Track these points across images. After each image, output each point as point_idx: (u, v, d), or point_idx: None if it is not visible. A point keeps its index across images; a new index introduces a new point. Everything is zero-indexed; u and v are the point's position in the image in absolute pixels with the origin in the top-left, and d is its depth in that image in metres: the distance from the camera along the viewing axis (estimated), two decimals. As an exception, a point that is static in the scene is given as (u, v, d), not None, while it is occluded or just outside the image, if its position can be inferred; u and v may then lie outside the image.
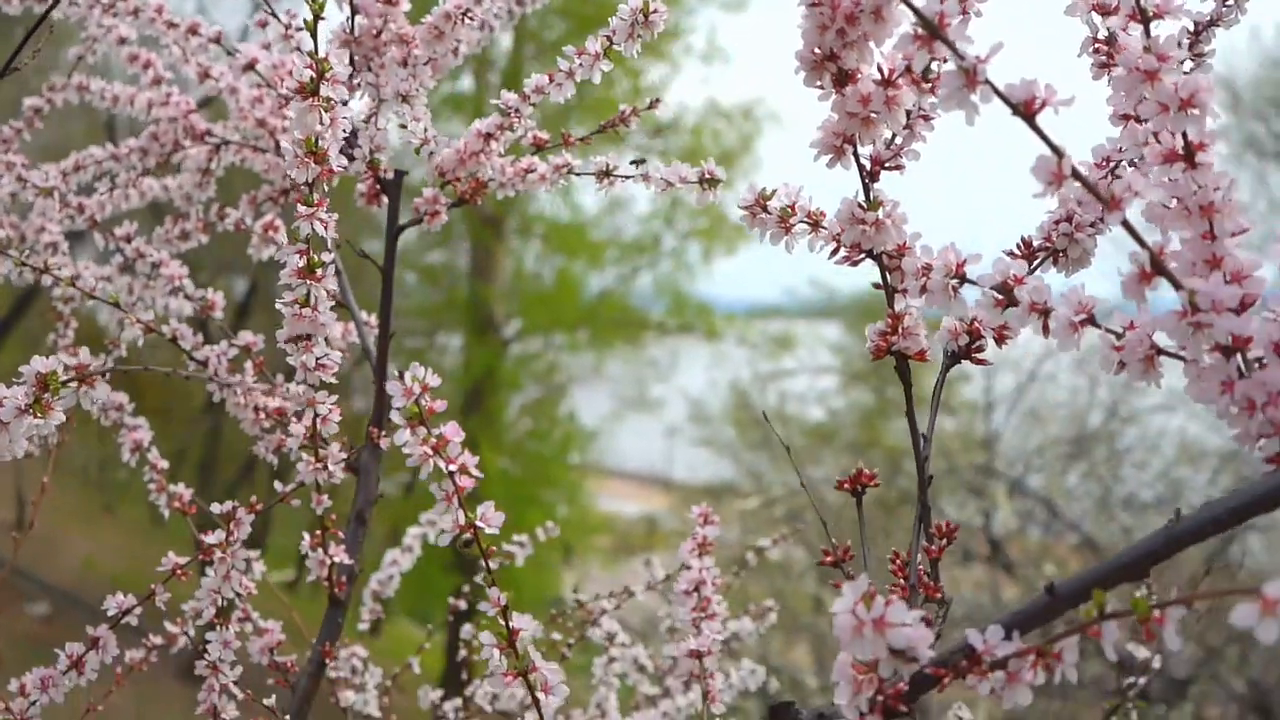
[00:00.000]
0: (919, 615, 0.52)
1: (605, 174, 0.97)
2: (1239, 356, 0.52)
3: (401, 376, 0.62)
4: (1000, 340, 0.69)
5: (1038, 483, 6.91)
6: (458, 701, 1.46)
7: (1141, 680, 1.09)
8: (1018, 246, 0.70)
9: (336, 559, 0.99)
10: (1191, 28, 0.72)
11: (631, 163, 1.00)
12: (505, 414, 11.41)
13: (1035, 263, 0.69)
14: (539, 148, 1.02)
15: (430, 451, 0.63)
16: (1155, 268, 0.53)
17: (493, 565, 0.66)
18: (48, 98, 1.36)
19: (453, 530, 0.65)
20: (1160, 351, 0.55)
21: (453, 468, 0.63)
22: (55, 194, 1.14)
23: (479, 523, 0.64)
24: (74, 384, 0.68)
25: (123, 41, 1.22)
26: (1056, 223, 0.69)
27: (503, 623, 0.66)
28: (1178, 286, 0.52)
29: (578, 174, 0.99)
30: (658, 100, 1.02)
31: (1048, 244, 0.69)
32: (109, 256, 1.23)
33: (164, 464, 1.12)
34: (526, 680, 0.65)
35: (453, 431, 0.64)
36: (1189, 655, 6.22)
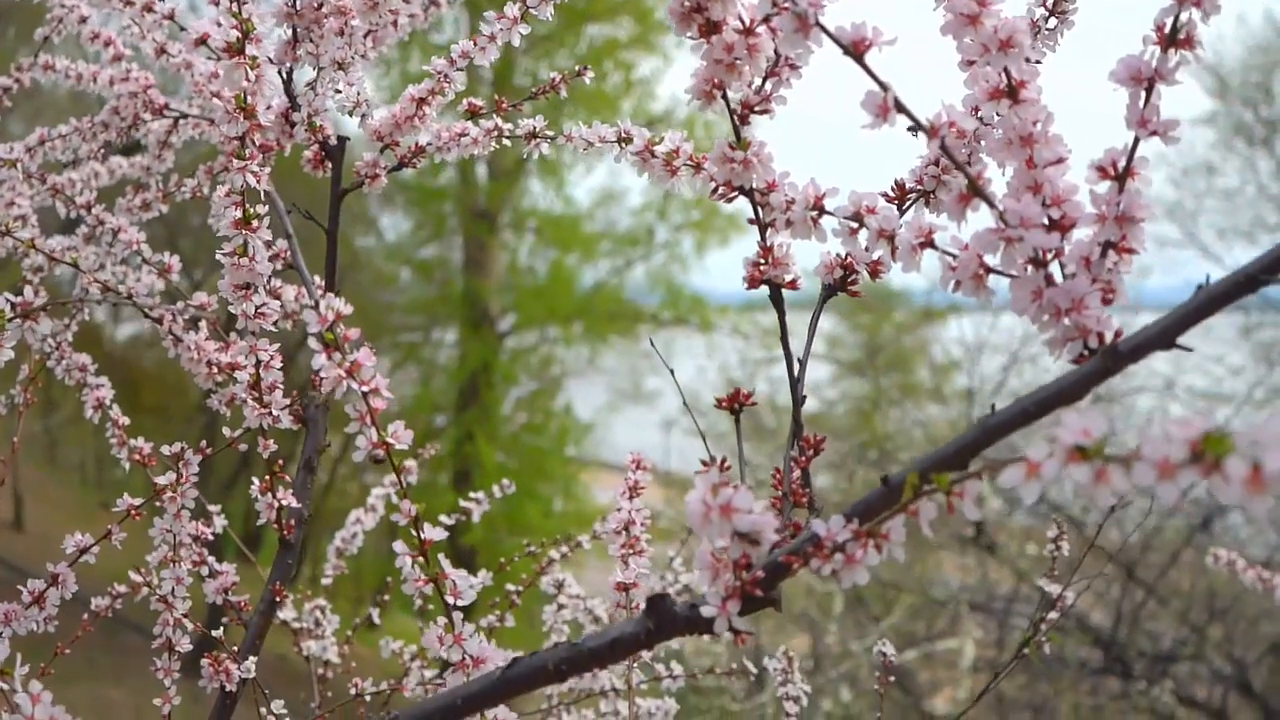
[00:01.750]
0: (764, 504, 0.58)
1: (533, 135, 1.03)
2: (1047, 269, 0.58)
3: (317, 306, 0.68)
4: (874, 274, 0.74)
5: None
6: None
7: (1053, 615, 1.15)
8: (891, 188, 0.76)
9: (285, 503, 1.05)
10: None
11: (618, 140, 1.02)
12: (501, 408, 11.47)
13: (907, 203, 0.75)
14: (474, 115, 1.08)
15: (344, 374, 0.69)
16: (973, 190, 0.59)
17: (407, 481, 0.72)
18: (16, 77, 1.41)
19: (367, 448, 0.71)
20: (989, 270, 0.61)
21: (366, 389, 0.69)
22: (19, 166, 1.20)
23: (390, 439, 0.70)
24: (19, 320, 0.74)
25: (84, 20, 1.28)
26: (926, 165, 0.75)
27: (414, 534, 0.72)
28: (993, 207, 0.58)
29: (508, 137, 1.05)
30: (585, 68, 1.08)
31: (919, 185, 0.75)
32: (74, 227, 1.29)
33: (125, 420, 1.17)
34: (437, 585, 0.72)
35: (365, 356, 0.70)
36: (1171, 633, 6.30)
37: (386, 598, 1.64)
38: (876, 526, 0.56)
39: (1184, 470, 0.40)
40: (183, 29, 1.17)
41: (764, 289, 0.76)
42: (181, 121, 1.28)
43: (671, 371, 1.05)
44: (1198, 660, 6.03)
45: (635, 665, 1.25)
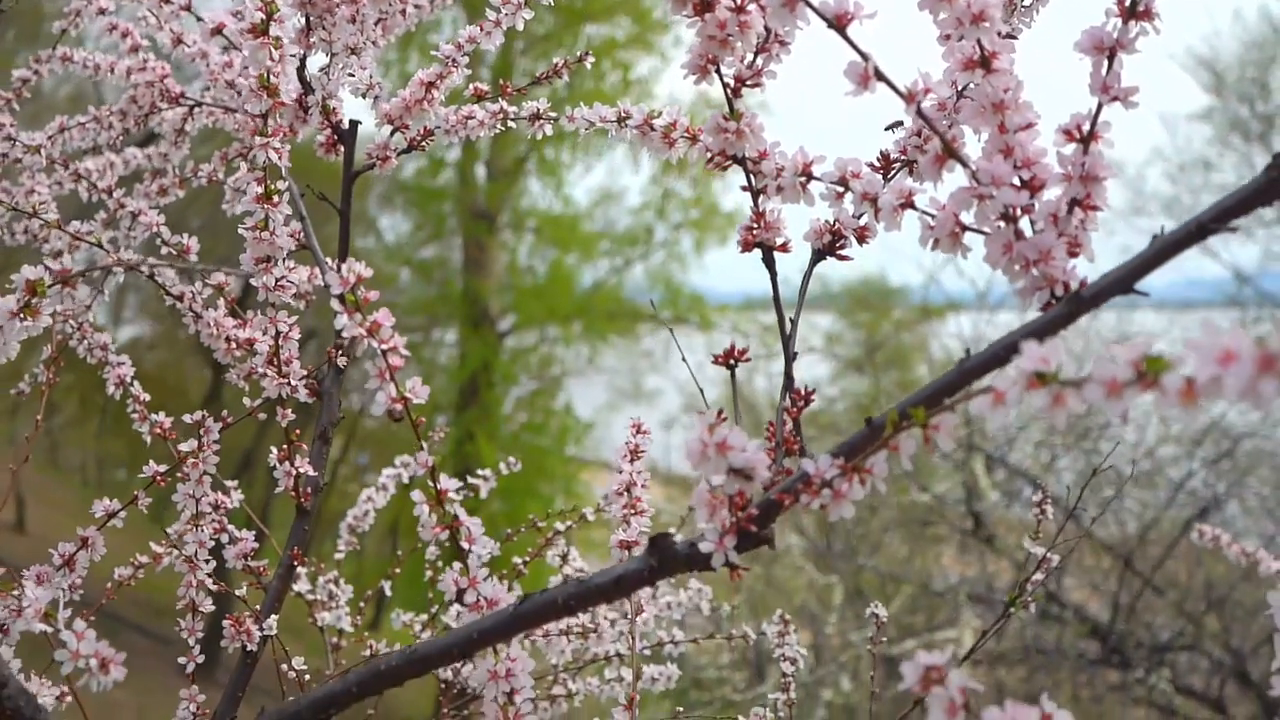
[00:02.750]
0: (758, 444, 0.63)
1: (537, 117, 1.08)
2: (1017, 224, 0.63)
3: (339, 270, 0.73)
4: (861, 239, 0.79)
5: (1022, 460, 7.03)
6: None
7: (1039, 577, 1.20)
8: (877, 158, 0.81)
9: (302, 471, 1.10)
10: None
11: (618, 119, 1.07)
12: (501, 407, 11.51)
13: (892, 172, 0.80)
14: (479, 98, 1.12)
15: (365, 333, 0.73)
16: (947, 152, 0.63)
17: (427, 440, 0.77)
18: (34, 69, 1.46)
19: (386, 403, 0.75)
20: (964, 227, 0.66)
21: (385, 347, 0.74)
22: (41, 152, 1.25)
23: (408, 394, 0.75)
24: (57, 287, 0.79)
25: (102, 12, 1.32)
26: (909, 136, 0.80)
27: (431, 484, 0.77)
28: (966, 166, 0.63)
29: (513, 119, 1.10)
30: (587, 54, 1.12)
31: (903, 155, 0.80)
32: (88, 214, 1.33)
33: (146, 396, 1.22)
34: (454, 532, 0.76)
35: (384, 317, 0.74)
36: (1168, 624, 6.34)
37: (389, 589, 1.68)
38: (861, 461, 0.61)
39: (1129, 388, 0.45)
40: (199, 19, 1.21)
41: (759, 284, 0.80)
42: (196, 110, 1.32)
43: (684, 358, 1.10)
44: (1195, 650, 6.08)
45: (638, 633, 1.30)
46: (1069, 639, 6.48)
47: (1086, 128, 0.64)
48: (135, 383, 1.24)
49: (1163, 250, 0.57)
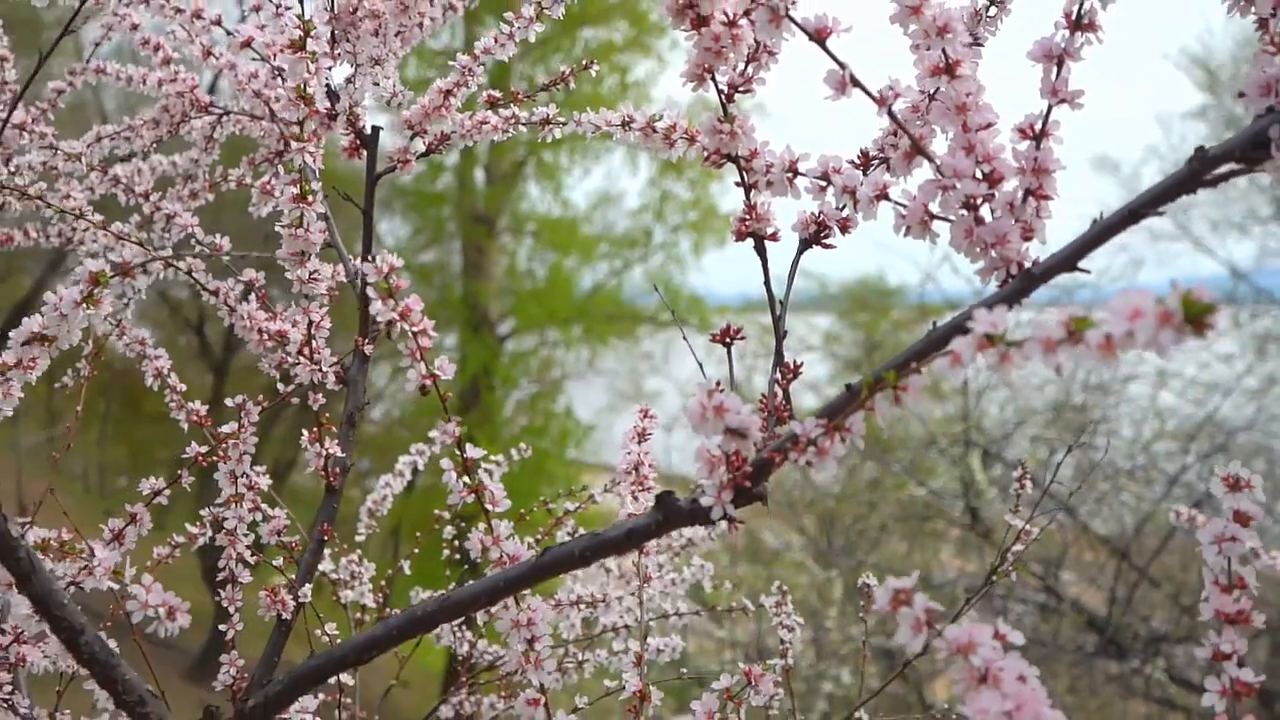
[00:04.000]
0: (752, 408, 0.71)
1: (547, 122, 1.16)
2: (978, 212, 0.71)
3: (374, 259, 0.81)
4: (844, 229, 0.88)
5: (1019, 455, 7.12)
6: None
7: (1018, 546, 1.28)
8: (857, 156, 0.89)
9: (331, 452, 1.18)
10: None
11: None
12: (502, 411, 11.59)
13: (871, 167, 0.89)
14: (493, 105, 1.21)
15: (398, 316, 0.82)
16: (915, 149, 0.72)
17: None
18: (69, 80, 1.55)
19: (417, 380, 0.84)
20: (932, 215, 0.75)
21: (416, 329, 0.82)
22: (82, 159, 1.33)
23: (436, 371, 0.83)
24: (118, 277, 0.87)
25: (135, 28, 1.41)
26: (885, 136, 0.88)
27: (459, 452, 0.85)
28: (931, 161, 0.71)
29: (524, 124, 1.18)
30: (591, 62, 1.21)
31: (880, 153, 0.89)
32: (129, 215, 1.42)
33: (182, 386, 1.31)
34: (478, 495, 0.85)
35: (415, 302, 0.83)
36: (1164, 615, 6.43)
37: (408, 568, 1.77)
38: (841, 421, 0.69)
39: (1061, 345, 0.54)
40: (229, 33, 1.30)
41: (758, 285, 0.89)
42: (224, 118, 1.41)
43: (693, 351, 1.18)
44: (1190, 641, 6.16)
45: (645, 605, 1.38)
46: (1066, 631, 6.56)
47: (1039, 127, 0.73)
48: (172, 374, 1.32)
49: (1101, 232, 0.66)
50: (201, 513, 1.25)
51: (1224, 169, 0.65)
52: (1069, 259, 0.67)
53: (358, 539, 1.59)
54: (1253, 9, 0.67)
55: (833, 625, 6.03)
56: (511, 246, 12.48)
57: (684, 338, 1.22)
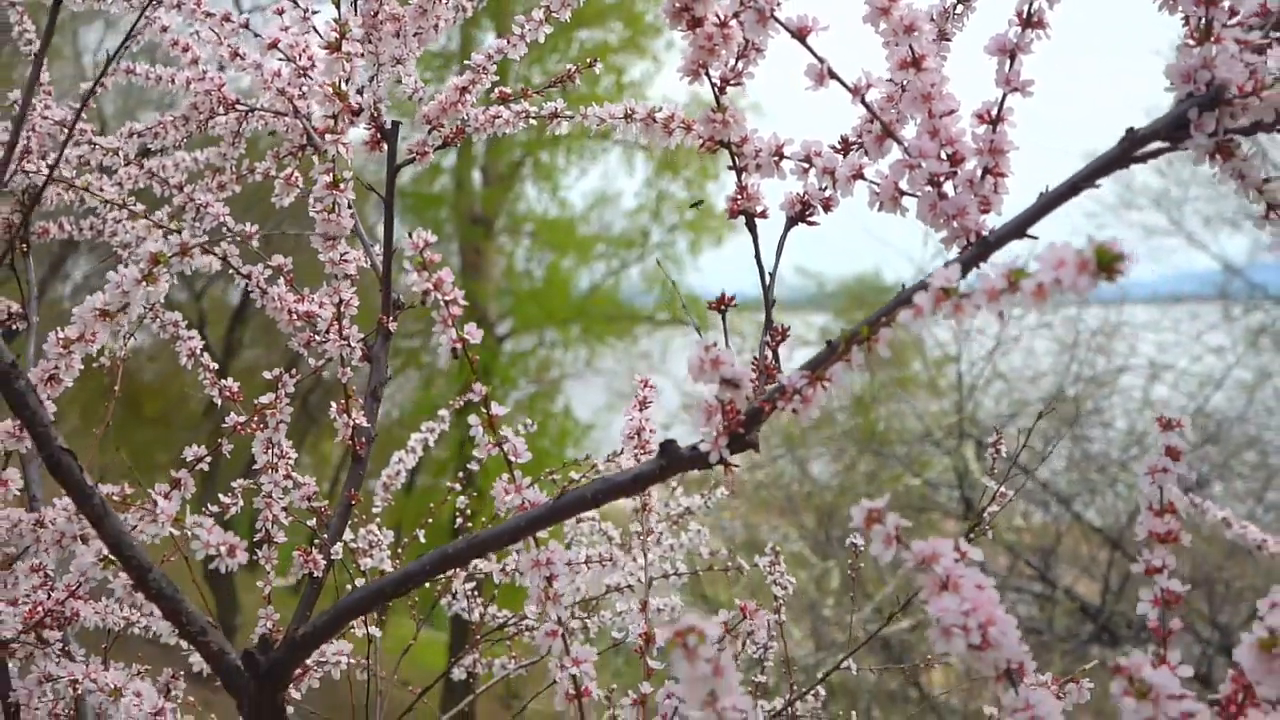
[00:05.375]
0: (746, 360, 0.81)
1: (554, 115, 1.26)
2: (941, 188, 0.81)
3: (411, 235, 0.91)
4: (826, 208, 0.98)
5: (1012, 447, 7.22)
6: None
7: (993, 510, 1.38)
8: (839, 141, 0.99)
9: (358, 423, 1.28)
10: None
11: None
12: (501, 411, 11.68)
13: (850, 151, 0.98)
14: (504, 100, 1.31)
15: (432, 287, 0.92)
16: (886, 133, 0.82)
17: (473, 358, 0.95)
18: (101, 81, 1.64)
19: (448, 344, 0.94)
20: (902, 192, 0.85)
21: (448, 298, 0.92)
22: (119, 153, 1.43)
23: (465, 336, 0.93)
24: (177, 256, 0.97)
25: (165, 30, 1.51)
26: (862, 123, 0.98)
27: (485, 410, 0.95)
28: (900, 144, 0.81)
29: (534, 118, 1.28)
30: (595, 60, 1.31)
31: (858, 138, 0.98)
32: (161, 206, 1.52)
33: (215, 365, 1.40)
34: (501, 449, 0.95)
35: (446, 274, 0.93)
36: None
37: (423, 536, 1.87)
38: (822, 372, 0.79)
39: (1003, 294, 0.63)
40: (256, 35, 1.40)
41: (755, 284, 0.99)
42: (250, 114, 1.50)
43: (704, 343, 1.27)
44: (1183, 628, 6.27)
45: (648, 569, 1.48)
46: (1061, 619, 6.67)
47: (994, 113, 0.82)
48: (205, 353, 1.42)
49: (1046, 204, 0.76)
50: (233, 484, 1.35)
51: (1152, 147, 0.75)
52: (1018, 228, 0.77)
53: (375, 510, 1.69)
54: (1180, 8, 0.77)
55: (830, 614, 6.14)
56: (509, 247, 12.58)
57: (695, 329, 1.31)
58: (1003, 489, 1.41)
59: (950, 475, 6.82)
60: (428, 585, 1.79)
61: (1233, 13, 0.75)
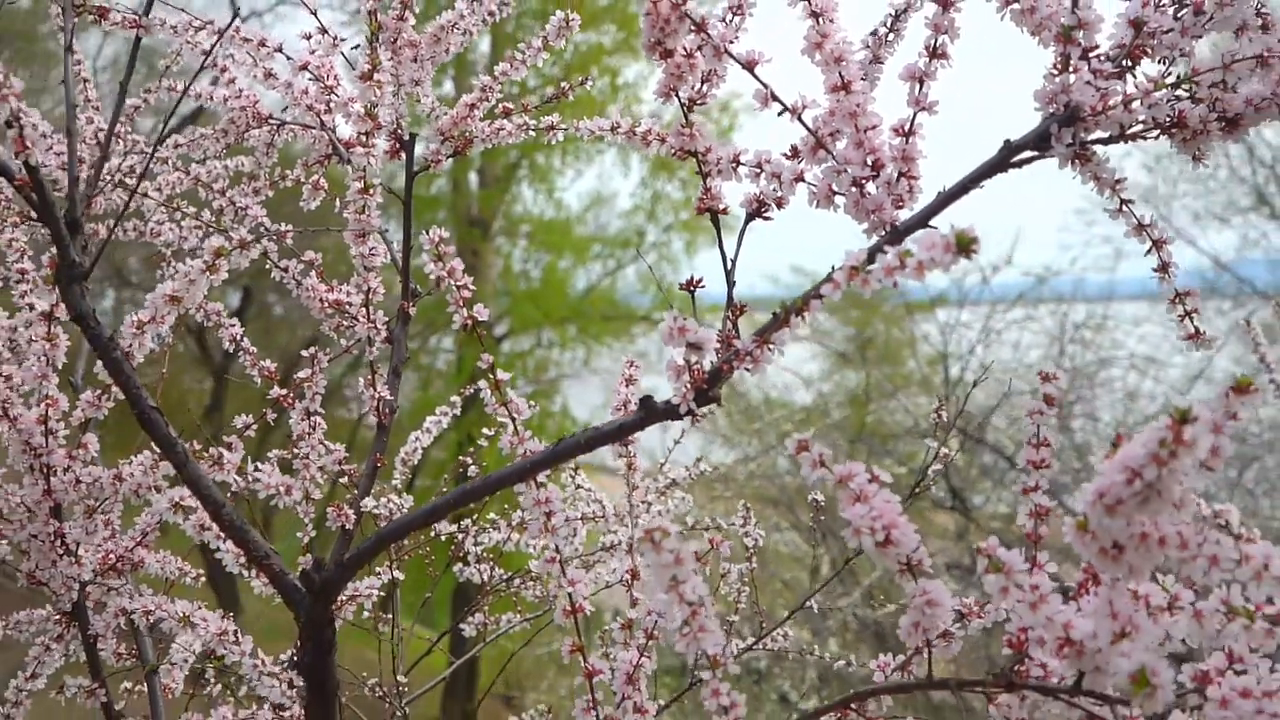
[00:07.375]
0: (710, 328, 1.00)
1: (552, 128, 1.46)
2: (864, 189, 1.01)
3: (428, 231, 1.11)
4: (779, 205, 1.17)
5: (998, 438, 7.44)
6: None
7: (936, 466, 1.57)
8: (789, 149, 1.18)
9: (383, 395, 1.47)
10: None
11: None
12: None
13: (798, 159, 1.18)
14: (507, 115, 1.50)
15: (446, 274, 1.11)
16: (818, 144, 1.01)
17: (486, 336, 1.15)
18: (143, 97, 1.84)
19: (460, 322, 1.13)
20: (834, 192, 1.04)
21: (459, 283, 1.12)
22: (169, 162, 1.62)
23: (475, 315, 1.12)
24: (235, 250, 1.16)
25: (206, 54, 1.70)
26: (805, 136, 1.17)
27: (492, 376, 1.14)
28: (829, 153, 1.01)
29: (534, 130, 1.48)
30: (587, 78, 1.50)
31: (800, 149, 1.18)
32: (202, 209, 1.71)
33: (254, 350, 1.60)
34: (506, 407, 1.14)
35: (458, 264, 1.12)
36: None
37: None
38: (768, 338, 0.98)
39: (895, 270, 0.83)
40: (289, 58, 1.59)
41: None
42: (282, 127, 1.70)
43: (674, 315, 1.46)
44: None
45: (633, 515, 1.67)
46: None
47: (907, 127, 1.02)
48: (245, 339, 1.61)
49: (941, 202, 0.95)
50: (269, 454, 1.54)
51: (1025, 155, 0.94)
52: (920, 220, 0.97)
53: (394, 483, 1.89)
54: (1047, 44, 0.96)
55: (820, 597, 6.33)
56: (506, 248, 12.76)
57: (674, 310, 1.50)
58: (945, 450, 1.60)
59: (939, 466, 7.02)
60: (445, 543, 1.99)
61: (1090, 49, 0.94)
